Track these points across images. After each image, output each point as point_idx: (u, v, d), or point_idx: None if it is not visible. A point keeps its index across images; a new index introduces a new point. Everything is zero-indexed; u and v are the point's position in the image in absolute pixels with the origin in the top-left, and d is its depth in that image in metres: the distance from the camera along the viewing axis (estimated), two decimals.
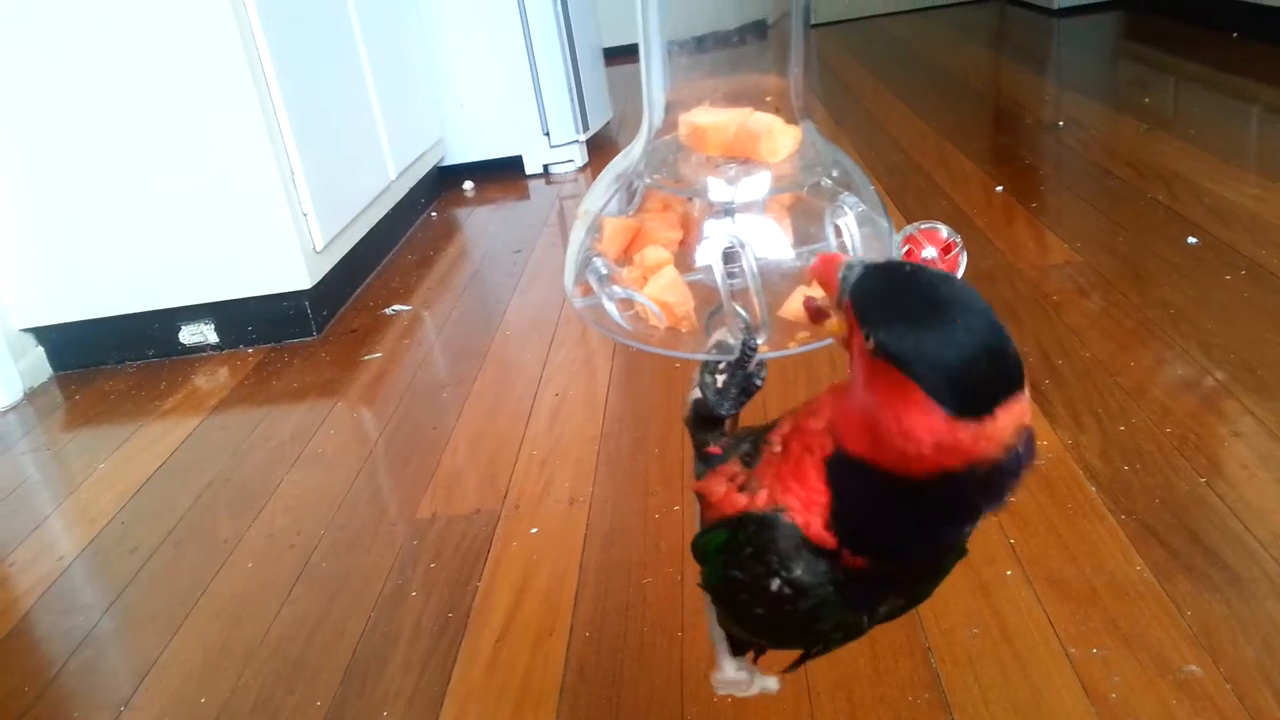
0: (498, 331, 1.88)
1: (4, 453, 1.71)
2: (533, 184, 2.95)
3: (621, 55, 3.47)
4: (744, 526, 0.52)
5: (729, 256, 0.55)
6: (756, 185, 0.57)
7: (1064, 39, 3.86)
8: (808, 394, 0.58)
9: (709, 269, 0.55)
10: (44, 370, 1.99)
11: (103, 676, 1.12)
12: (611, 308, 0.57)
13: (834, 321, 0.50)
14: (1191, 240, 1.75)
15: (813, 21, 4.82)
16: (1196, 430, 1.22)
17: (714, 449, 0.61)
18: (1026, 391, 0.43)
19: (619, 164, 0.63)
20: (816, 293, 0.54)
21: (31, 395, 1.92)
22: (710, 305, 0.57)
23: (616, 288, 0.57)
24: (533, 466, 1.39)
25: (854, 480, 0.47)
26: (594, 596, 1.11)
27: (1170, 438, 1.21)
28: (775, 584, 0.50)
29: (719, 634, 0.62)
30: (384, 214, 2.39)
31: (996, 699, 0.88)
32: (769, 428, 0.56)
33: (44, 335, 1.99)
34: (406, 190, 2.58)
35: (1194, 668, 0.88)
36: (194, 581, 1.26)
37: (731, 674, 0.62)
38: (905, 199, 2.21)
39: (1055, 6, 4.16)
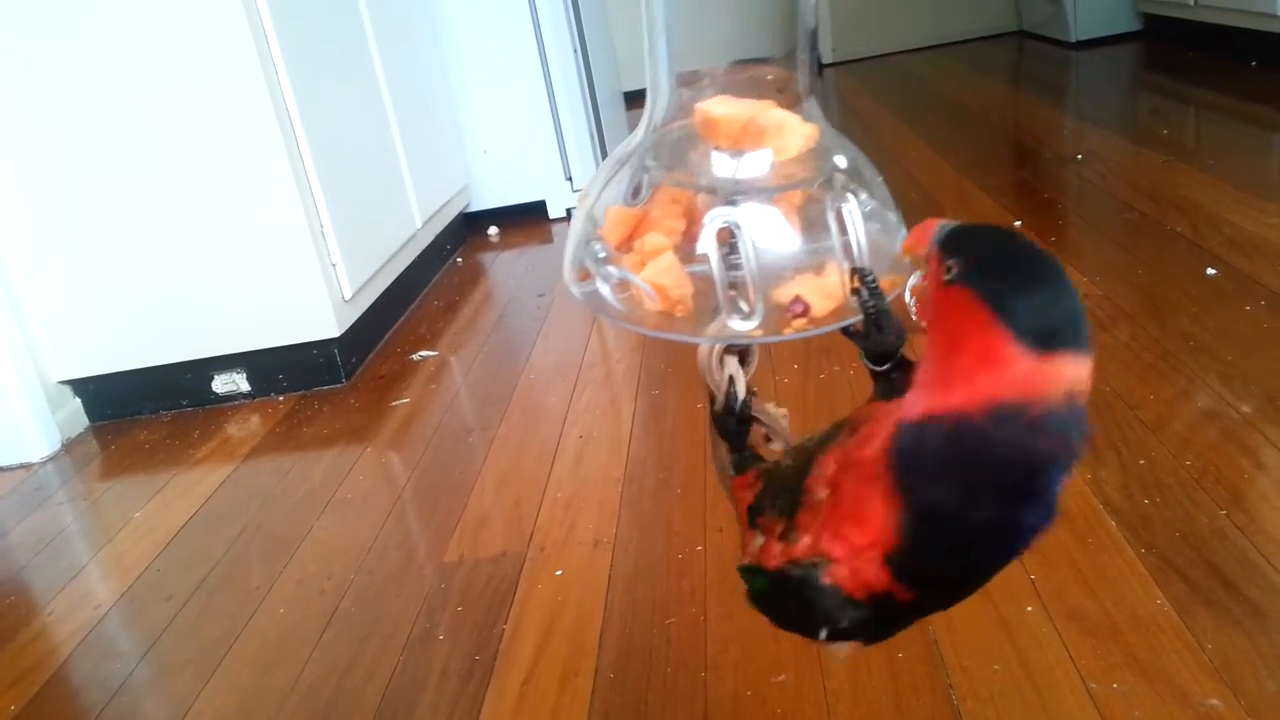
0: (523, 375, 1.91)
1: (43, 503, 1.75)
2: (556, 228, 2.99)
3: (642, 99, 3.51)
4: (784, 583, 0.53)
5: (726, 241, 0.55)
6: (758, 165, 0.57)
7: (1082, 72, 3.88)
8: (827, 422, 0.59)
9: (708, 257, 0.56)
10: (81, 421, 2.04)
11: None
12: (605, 289, 0.58)
13: (890, 278, 0.54)
14: (1210, 271, 1.76)
15: (829, 60, 4.86)
16: (1217, 463, 1.22)
17: (749, 497, 0.62)
18: (1089, 362, 0.44)
19: (622, 149, 0.63)
20: (807, 290, 0.55)
21: (69, 446, 1.97)
22: (713, 298, 0.57)
23: (612, 269, 0.57)
24: (557, 509, 1.41)
25: (922, 473, 0.47)
26: (618, 638, 1.12)
27: (1191, 471, 1.21)
28: (822, 634, 0.52)
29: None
30: (410, 261, 2.43)
31: None
32: (805, 472, 0.55)
33: (81, 387, 2.04)
34: (432, 237, 2.63)
35: (1215, 702, 0.88)
36: (227, 628, 1.28)
37: None
38: None
39: (1073, 39, 4.18)
